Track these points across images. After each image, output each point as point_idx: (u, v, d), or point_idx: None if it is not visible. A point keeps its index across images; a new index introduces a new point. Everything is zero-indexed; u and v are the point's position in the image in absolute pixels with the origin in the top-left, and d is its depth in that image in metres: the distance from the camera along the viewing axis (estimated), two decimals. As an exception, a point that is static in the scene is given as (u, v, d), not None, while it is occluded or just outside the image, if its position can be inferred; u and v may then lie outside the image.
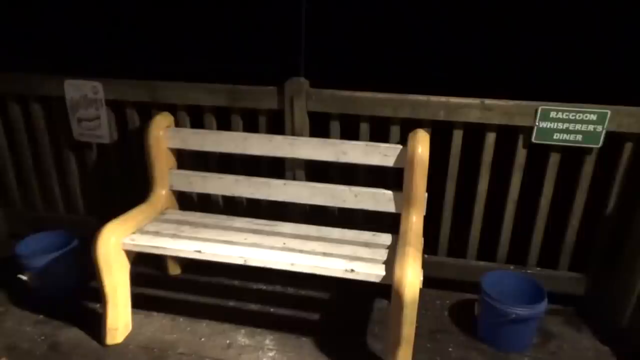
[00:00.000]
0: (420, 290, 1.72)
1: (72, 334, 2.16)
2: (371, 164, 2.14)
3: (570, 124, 2.04)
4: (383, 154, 2.10)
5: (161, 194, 2.34)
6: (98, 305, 2.26)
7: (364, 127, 2.26)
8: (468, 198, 2.30)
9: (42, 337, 2.14)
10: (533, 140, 2.09)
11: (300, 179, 2.35)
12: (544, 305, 2.02)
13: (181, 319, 2.26)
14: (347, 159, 2.16)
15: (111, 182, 2.65)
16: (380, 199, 2.14)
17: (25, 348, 2.08)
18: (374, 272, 1.81)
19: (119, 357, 2.03)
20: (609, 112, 2.00)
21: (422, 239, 2.01)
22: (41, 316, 2.28)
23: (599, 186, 2.17)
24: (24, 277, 2.27)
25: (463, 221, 2.34)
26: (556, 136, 2.07)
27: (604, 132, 2.02)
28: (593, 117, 2.01)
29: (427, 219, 2.11)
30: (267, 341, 2.13)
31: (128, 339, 2.13)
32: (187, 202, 2.53)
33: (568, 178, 2.17)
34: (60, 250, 2.30)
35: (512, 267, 2.34)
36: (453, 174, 2.27)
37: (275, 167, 2.37)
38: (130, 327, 2.17)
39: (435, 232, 2.37)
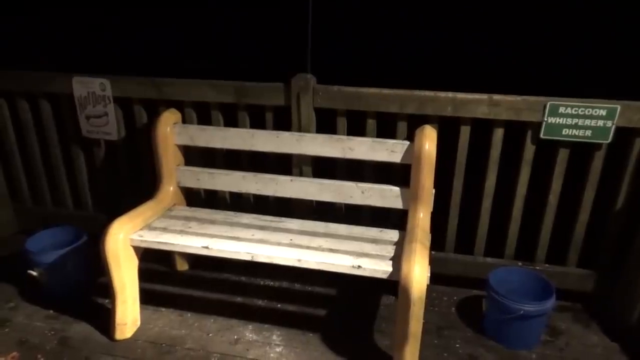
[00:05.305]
0: (428, 286, 1.72)
1: (81, 329, 2.18)
2: (378, 160, 2.14)
3: (580, 119, 2.02)
4: (390, 150, 2.10)
5: (169, 190, 2.35)
6: (107, 300, 2.28)
7: (371, 123, 2.25)
8: (476, 194, 2.29)
9: (52, 332, 2.17)
10: (541, 135, 2.08)
11: (307, 175, 2.35)
12: (552, 302, 2.01)
13: (189, 315, 2.28)
14: (354, 155, 2.15)
15: (119, 179, 2.67)
16: (387, 195, 2.14)
17: (35, 343, 2.10)
18: (381, 268, 1.81)
19: (128, 352, 2.05)
20: (619, 107, 1.98)
21: (430, 235, 2.00)
22: (51, 311, 2.30)
23: (608, 182, 2.15)
24: (34, 273, 2.29)
25: (471, 217, 2.33)
26: (565, 132, 2.05)
27: (613, 127, 2.00)
28: (602, 112, 1.99)
29: (434, 215, 2.10)
30: (275, 337, 2.14)
31: (136, 334, 2.14)
32: (195, 198, 2.54)
33: (577, 174, 2.16)
34: (69, 246, 2.32)
35: (520, 263, 2.33)
36: (460, 170, 2.25)
37: (282, 164, 2.37)
38: (138, 323, 2.19)
39: (443, 228, 2.37)
